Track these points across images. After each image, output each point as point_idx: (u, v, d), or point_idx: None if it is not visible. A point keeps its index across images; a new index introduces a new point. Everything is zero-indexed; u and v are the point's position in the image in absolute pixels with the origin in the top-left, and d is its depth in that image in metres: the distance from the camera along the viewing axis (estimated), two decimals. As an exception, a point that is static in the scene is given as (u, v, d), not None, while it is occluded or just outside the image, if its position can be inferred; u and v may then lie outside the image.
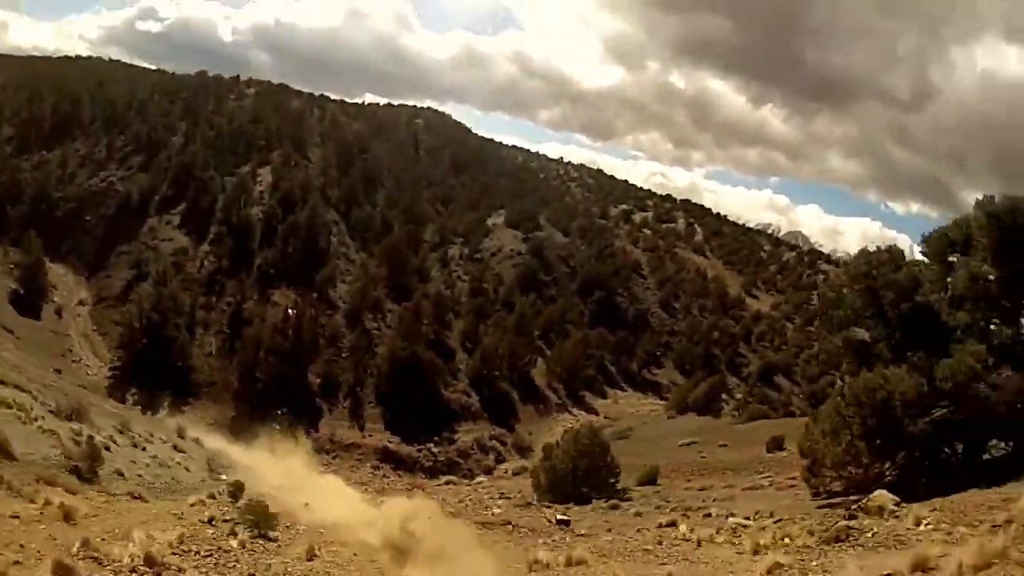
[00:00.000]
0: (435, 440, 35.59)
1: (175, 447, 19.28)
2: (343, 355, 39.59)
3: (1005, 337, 13.23)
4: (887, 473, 14.61)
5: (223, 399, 34.89)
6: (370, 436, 34.46)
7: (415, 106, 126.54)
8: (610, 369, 51.62)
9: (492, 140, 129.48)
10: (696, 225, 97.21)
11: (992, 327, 13.48)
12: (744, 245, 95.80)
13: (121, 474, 14.69)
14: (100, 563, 7.38)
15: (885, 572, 8.03)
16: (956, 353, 12.70)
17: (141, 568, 7.62)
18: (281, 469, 19.58)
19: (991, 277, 13.49)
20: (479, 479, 30.51)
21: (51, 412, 16.06)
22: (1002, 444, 14.41)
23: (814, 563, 9.29)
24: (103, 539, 7.85)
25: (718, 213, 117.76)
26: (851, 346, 15.77)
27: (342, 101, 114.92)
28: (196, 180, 54.81)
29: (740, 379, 57.11)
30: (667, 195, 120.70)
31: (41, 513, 8.84)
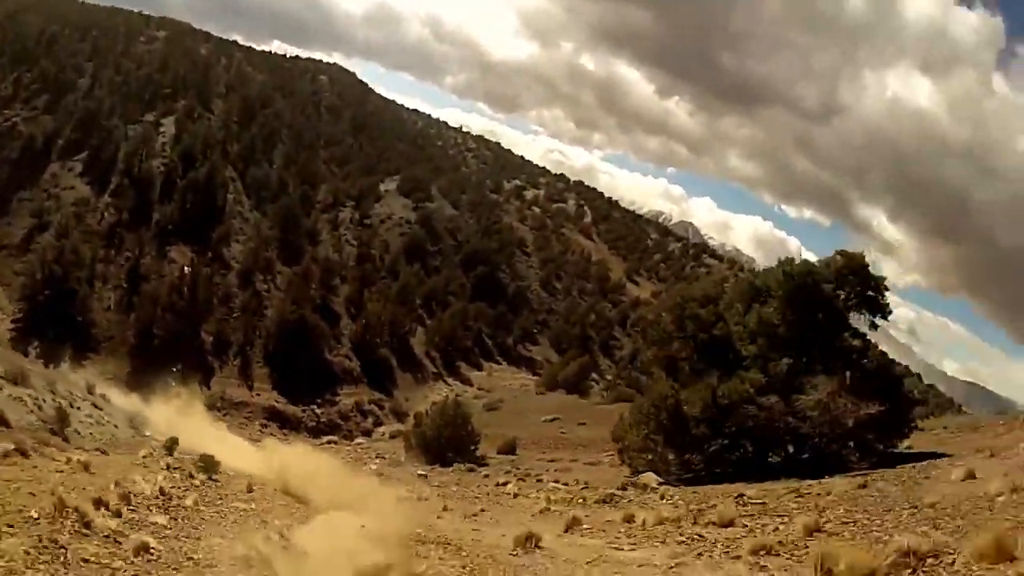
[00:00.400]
0: (318, 402, 38.37)
1: (94, 405, 22.02)
2: (234, 315, 42.09)
3: (779, 370, 17.80)
4: (695, 463, 19.19)
5: (120, 354, 36.40)
6: (258, 395, 36.93)
7: (321, 61, 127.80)
8: (487, 342, 55.08)
9: (394, 102, 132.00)
10: (586, 207, 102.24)
11: (771, 361, 18.08)
12: (632, 232, 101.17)
13: (79, 433, 17.74)
14: (134, 495, 10.34)
15: (605, 519, 12.50)
16: (736, 378, 17.23)
17: (161, 496, 10.91)
18: (187, 425, 22.78)
19: (776, 321, 18.08)
20: (358, 440, 33.99)
21: (2, 378, 18.73)
22: (786, 451, 19.29)
23: (572, 513, 13.40)
24: (118, 482, 10.96)
25: (610, 198, 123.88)
26: (660, 359, 20.43)
27: (249, 49, 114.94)
28: (100, 127, 55.19)
29: (613, 361, 61.70)
30: (561, 174, 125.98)
31: (68, 465, 11.80)
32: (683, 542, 10.76)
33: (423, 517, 13.16)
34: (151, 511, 10.03)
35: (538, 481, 20.72)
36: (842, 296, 18.04)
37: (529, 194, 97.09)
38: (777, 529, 10.78)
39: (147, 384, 29.56)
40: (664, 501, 14.63)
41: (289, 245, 52.60)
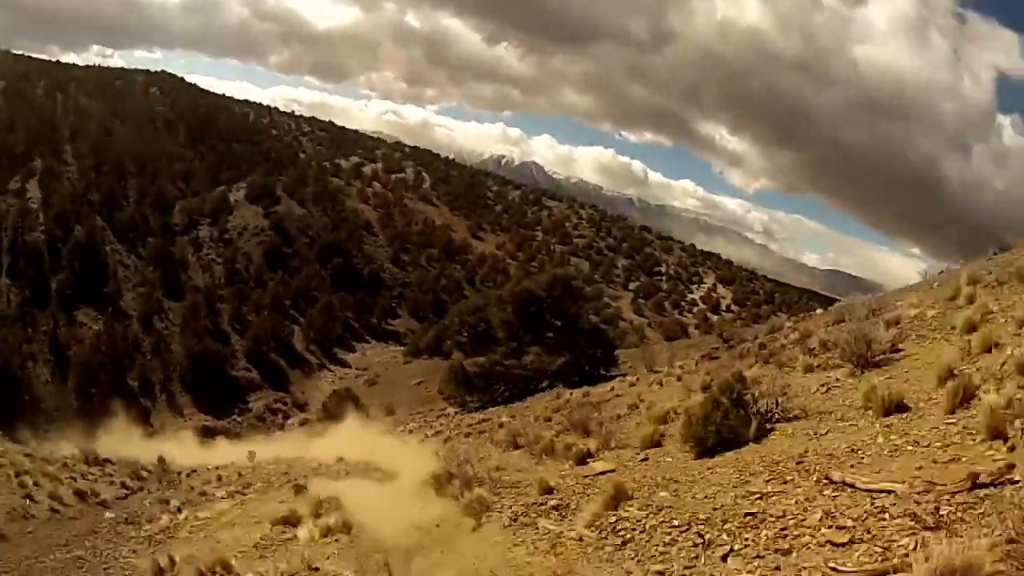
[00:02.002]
0: (237, 411, 51.21)
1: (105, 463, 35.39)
2: (148, 358, 55.38)
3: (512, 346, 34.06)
4: (481, 400, 34.87)
5: (70, 417, 45.90)
6: (191, 419, 50.01)
7: (149, 71, 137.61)
8: (355, 326, 68.24)
9: (224, 96, 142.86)
10: (424, 173, 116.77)
11: (511, 340, 34.46)
12: (472, 188, 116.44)
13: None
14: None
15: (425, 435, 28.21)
16: (492, 352, 33.41)
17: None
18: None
19: (510, 319, 34.20)
20: (278, 434, 48.81)
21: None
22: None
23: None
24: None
25: (447, 157, 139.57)
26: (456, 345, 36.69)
27: (74, 67, 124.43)
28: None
29: None
30: (397, 142, 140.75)
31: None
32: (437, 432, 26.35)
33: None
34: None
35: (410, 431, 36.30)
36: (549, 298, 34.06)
37: (368, 169, 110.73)
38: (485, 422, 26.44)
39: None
40: (450, 419, 30.25)
41: (169, 280, 65.10)
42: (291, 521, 13.32)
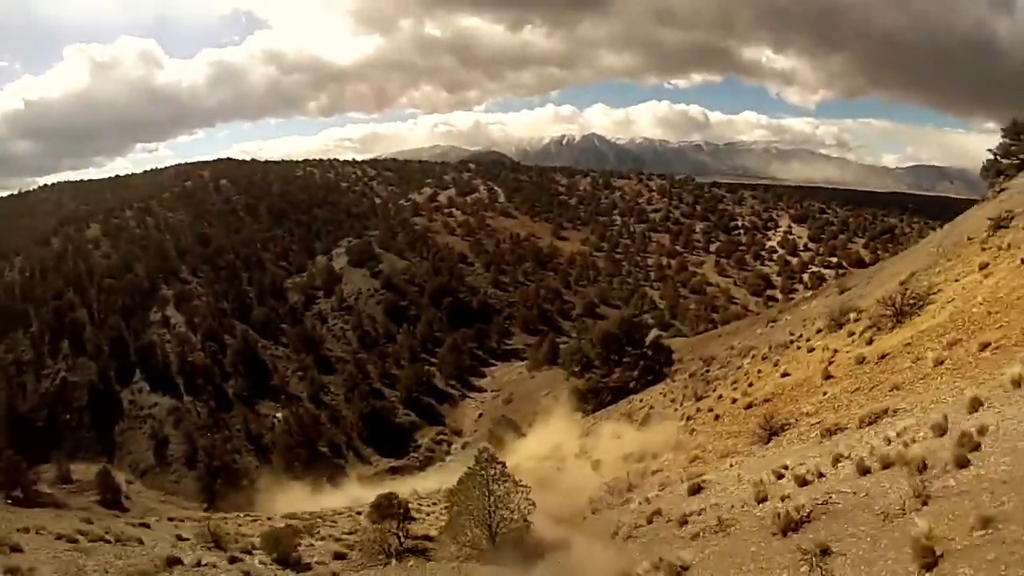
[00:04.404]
0: (411, 449, 69.35)
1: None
2: (328, 427, 74.28)
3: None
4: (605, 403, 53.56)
5: (286, 487, 69.14)
6: (377, 465, 67.32)
7: (207, 161, 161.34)
8: (479, 353, 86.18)
9: (285, 163, 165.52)
10: (495, 187, 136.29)
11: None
12: (543, 188, 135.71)
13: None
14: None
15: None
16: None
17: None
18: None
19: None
20: (450, 458, 68.08)
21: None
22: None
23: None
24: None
25: (515, 163, 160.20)
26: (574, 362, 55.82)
27: (138, 175, 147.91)
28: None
29: (571, 320, 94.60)
30: (461, 161, 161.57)
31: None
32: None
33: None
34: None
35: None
36: (622, 333, 52.85)
37: (443, 197, 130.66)
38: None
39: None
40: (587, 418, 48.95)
41: (318, 358, 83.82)
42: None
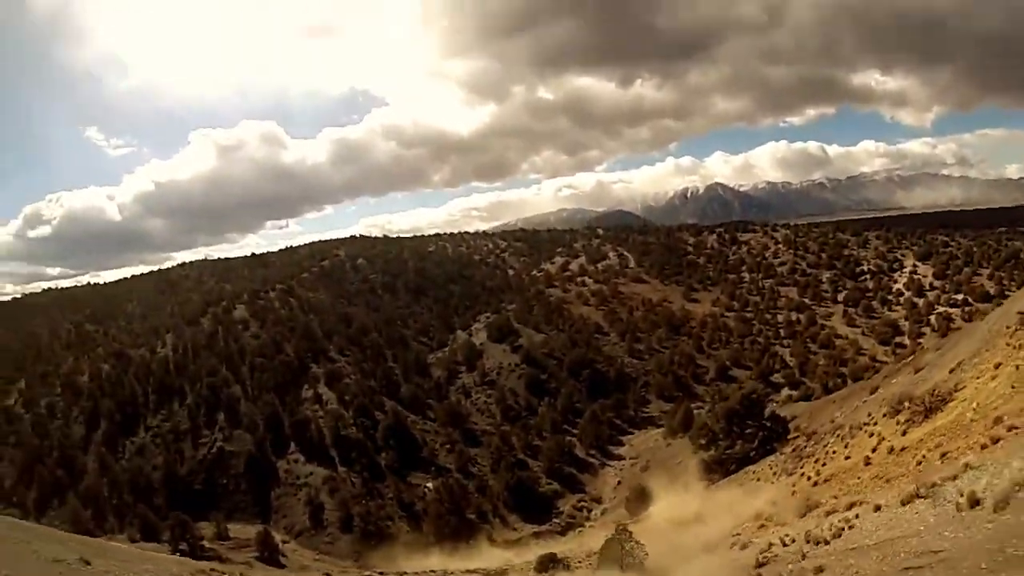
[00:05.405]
0: (553, 515, 76.99)
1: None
2: (475, 495, 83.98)
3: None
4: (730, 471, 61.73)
5: (437, 550, 79.06)
6: (521, 530, 73.95)
7: (336, 239, 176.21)
8: (616, 422, 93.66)
9: (417, 238, 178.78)
10: (624, 252, 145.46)
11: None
12: (671, 250, 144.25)
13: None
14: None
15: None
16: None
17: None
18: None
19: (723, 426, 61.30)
20: (589, 524, 76.26)
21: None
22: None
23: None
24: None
25: (642, 226, 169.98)
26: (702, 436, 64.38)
27: (274, 254, 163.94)
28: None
29: (704, 385, 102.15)
30: (588, 227, 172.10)
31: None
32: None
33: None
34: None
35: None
36: (742, 408, 61.19)
37: (574, 266, 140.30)
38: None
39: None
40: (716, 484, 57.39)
41: (463, 431, 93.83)
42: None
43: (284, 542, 71.27)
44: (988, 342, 36.23)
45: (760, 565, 19.88)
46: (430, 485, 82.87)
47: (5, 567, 16.02)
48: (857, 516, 21.21)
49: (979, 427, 24.12)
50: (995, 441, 21.20)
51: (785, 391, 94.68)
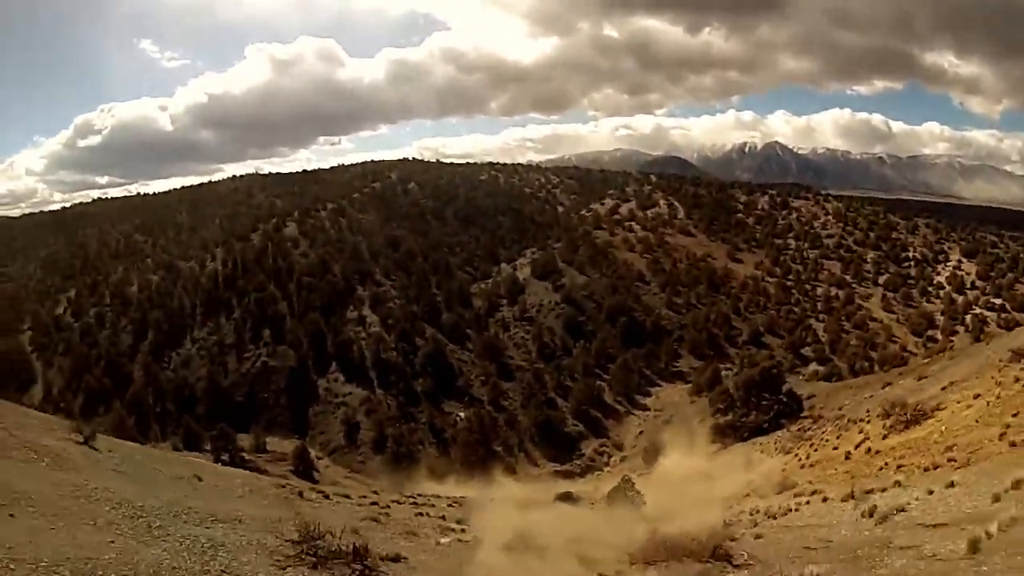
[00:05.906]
0: (575, 457, 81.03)
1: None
2: (505, 429, 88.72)
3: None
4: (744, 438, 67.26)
5: (460, 478, 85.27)
6: (544, 467, 79.12)
7: (392, 161, 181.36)
8: (647, 373, 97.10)
9: (471, 164, 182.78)
10: (676, 203, 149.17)
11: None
12: (722, 206, 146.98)
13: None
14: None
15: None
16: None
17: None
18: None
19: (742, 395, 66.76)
20: (608, 468, 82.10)
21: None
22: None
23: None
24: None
25: (697, 175, 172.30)
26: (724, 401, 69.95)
27: (327, 170, 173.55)
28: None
29: (736, 347, 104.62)
30: (643, 173, 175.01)
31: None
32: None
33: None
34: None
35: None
36: (761, 379, 66.58)
37: (624, 210, 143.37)
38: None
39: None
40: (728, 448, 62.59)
41: (499, 364, 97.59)
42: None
43: (319, 458, 76.45)
44: (980, 370, 40.24)
45: (726, 526, 23.99)
46: (463, 414, 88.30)
47: (145, 483, 20.95)
48: (808, 503, 25.00)
49: (935, 450, 27.90)
50: (935, 467, 24.96)
51: (813, 366, 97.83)
